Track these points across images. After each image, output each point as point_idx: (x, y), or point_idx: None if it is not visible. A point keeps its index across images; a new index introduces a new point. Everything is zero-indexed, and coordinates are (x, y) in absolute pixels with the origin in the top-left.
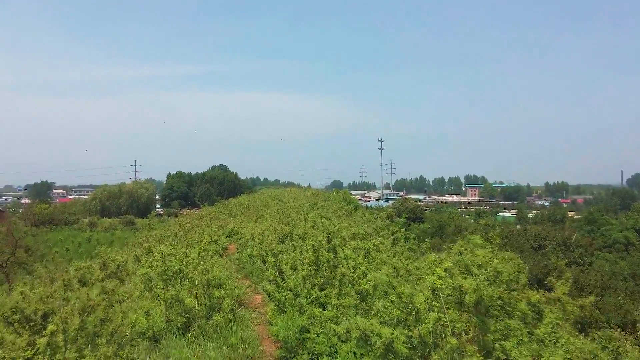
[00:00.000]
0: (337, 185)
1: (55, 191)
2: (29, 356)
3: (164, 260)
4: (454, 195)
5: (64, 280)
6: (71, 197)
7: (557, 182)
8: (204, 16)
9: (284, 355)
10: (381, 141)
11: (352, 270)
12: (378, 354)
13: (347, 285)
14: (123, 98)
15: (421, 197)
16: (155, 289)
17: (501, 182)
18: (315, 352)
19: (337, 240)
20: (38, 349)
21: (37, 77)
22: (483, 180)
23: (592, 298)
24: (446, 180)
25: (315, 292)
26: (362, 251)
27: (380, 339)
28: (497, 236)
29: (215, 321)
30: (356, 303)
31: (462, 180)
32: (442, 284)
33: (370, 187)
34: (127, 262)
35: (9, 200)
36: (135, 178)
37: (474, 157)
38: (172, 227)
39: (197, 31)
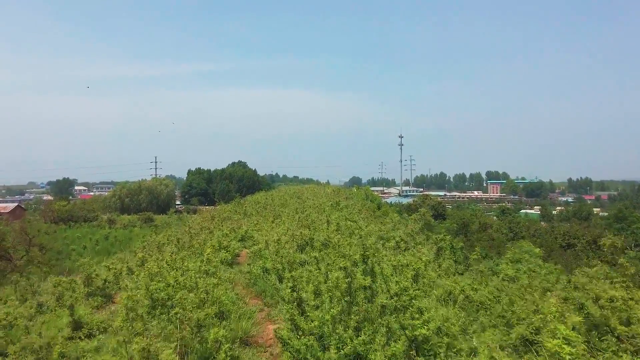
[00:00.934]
0: (356, 181)
1: (77, 188)
2: None
3: (152, 280)
4: (475, 192)
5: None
6: (92, 193)
7: (581, 178)
8: (223, 14)
9: None
10: (401, 137)
11: (395, 300)
12: None
13: (392, 321)
14: (145, 96)
15: (441, 193)
16: (135, 323)
17: (523, 178)
18: None
19: (373, 257)
20: None
21: (60, 76)
22: (505, 176)
23: None
24: (467, 176)
25: (350, 339)
26: (410, 271)
27: None
28: (629, 265)
29: None
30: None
31: (484, 176)
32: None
33: (389, 183)
34: (120, 273)
35: (32, 196)
36: (156, 175)
37: (496, 153)
38: (184, 227)
39: (218, 29)
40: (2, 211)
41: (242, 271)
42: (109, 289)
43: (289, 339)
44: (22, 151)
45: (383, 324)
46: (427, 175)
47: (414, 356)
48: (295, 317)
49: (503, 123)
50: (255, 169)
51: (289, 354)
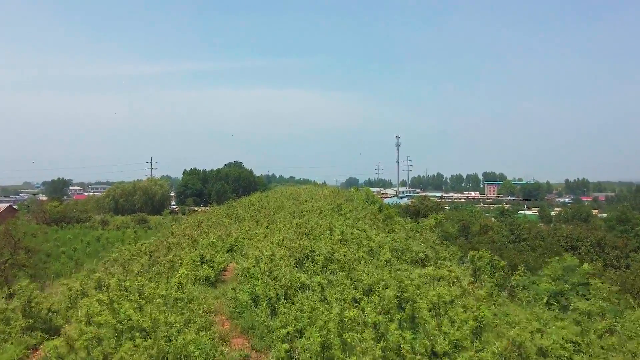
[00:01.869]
0: (352, 182)
1: (72, 188)
2: None
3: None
4: (472, 193)
5: None
6: (87, 194)
7: (578, 179)
8: (219, 13)
9: None
10: (398, 137)
11: None
12: None
13: None
14: (140, 95)
15: (438, 194)
16: None
17: (520, 179)
18: None
19: (413, 295)
20: None
21: (56, 75)
22: (502, 177)
23: None
24: (464, 177)
25: None
26: (467, 318)
27: None
28: None
29: None
30: None
31: (480, 177)
32: None
33: (386, 184)
34: (76, 297)
35: (26, 197)
36: (151, 175)
37: (493, 154)
38: (165, 234)
39: (212, 28)
40: None
41: (226, 294)
42: (54, 321)
43: None
44: (19, 151)
45: None
46: (423, 176)
47: None
48: None
49: (500, 124)
50: (251, 170)
51: None
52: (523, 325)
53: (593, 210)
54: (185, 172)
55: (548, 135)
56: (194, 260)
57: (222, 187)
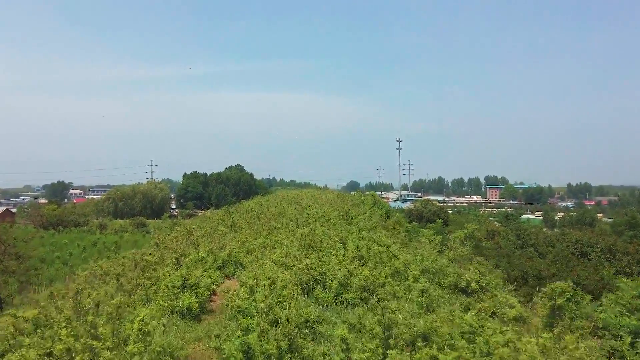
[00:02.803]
0: (353, 185)
1: (72, 191)
2: None
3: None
4: (474, 197)
5: None
6: (87, 197)
7: (580, 183)
8: (220, 17)
9: None
10: (399, 141)
11: None
12: None
13: None
14: (141, 98)
15: (440, 198)
16: None
17: (521, 183)
18: None
19: None
20: None
21: (57, 78)
22: (503, 180)
23: None
24: (465, 181)
25: None
26: None
27: None
28: None
29: None
30: None
31: (482, 181)
32: None
33: (387, 187)
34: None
35: (26, 200)
36: (152, 178)
37: (494, 158)
38: (149, 245)
39: (215, 32)
40: None
41: (210, 334)
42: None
43: None
44: (20, 154)
45: None
46: (425, 179)
47: None
48: None
49: (501, 127)
50: (252, 173)
51: None
52: None
53: (598, 215)
54: (185, 175)
55: (550, 138)
56: (173, 286)
57: (222, 190)
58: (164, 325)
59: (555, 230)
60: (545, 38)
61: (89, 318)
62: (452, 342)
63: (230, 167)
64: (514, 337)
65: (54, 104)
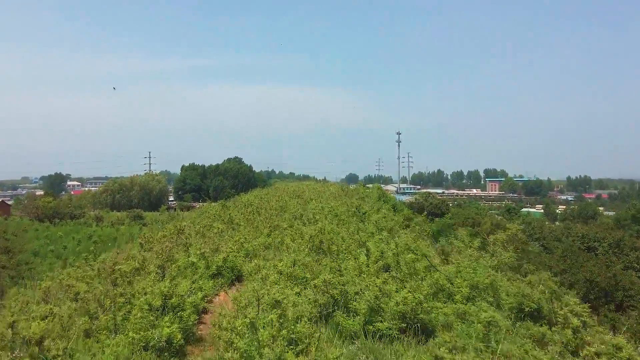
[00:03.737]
0: (352, 178)
1: (70, 183)
2: None
3: None
4: (474, 190)
5: None
6: (85, 189)
7: (579, 176)
8: (221, 9)
9: None
10: (399, 134)
11: None
12: None
13: None
14: (140, 90)
15: (439, 191)
16: None
17: (521, 176)
18: None
19: None
20: None
21: (55, 71)
22: (503, 174)
23: None
24: (465, 174)
25: None
26: None
27: None
28: None
29: None
30: None
31: (482, 174)
32: None
33: (386, 180)
34: None
35: (24, 192)
36: (150, 170)
37: (494, 151)
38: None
39: (213, 24)
40: None
41: None
42: None
43: None
44: (18, 146)
45: None
46: (424, 172)
47: None
48: None
49: (501, 120)
50: (250, 165)
51: None
52: None
53: (599, 208)
54: (183, 167)
55: (549, 131)
56: (149, 308)
57: (221, 182)
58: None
59: (557, 223)
60: (544, 31)
61: None
62: None
63: (229, 159)
64: None
65: (53, 96)
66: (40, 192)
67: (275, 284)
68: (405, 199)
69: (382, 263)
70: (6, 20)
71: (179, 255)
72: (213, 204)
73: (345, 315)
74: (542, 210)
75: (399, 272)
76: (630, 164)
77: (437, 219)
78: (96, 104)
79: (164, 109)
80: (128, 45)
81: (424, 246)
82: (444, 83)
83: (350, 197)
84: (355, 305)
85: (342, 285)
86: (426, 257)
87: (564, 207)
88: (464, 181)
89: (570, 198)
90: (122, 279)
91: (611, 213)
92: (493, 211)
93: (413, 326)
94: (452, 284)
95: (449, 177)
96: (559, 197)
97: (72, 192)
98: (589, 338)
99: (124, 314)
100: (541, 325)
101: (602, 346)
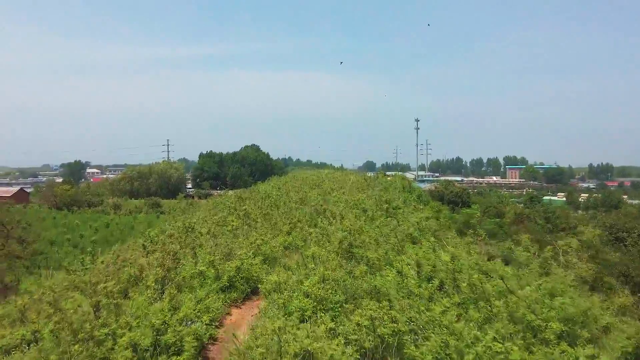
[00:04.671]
0: (369, 165)
1: (89, 170)
2: None
3: None
4: (494, 177)
5: None
6: (104, 176)
7: (601, 163)
8: None
9: None
10: (417, 120)
11: None
12: None
13: None
14: (160, 78)
15: (458, 178)
16: None
17: (541, 164)
18: None
19: None
20: None
21: (76, 59)
22: (523, 161)
23: None
24: (484, 161)
25: None
26: None
27: None
28: None
29: None
30: None
31: (501, 162)
32: None
33: (404, 168)
34: None
35: (44, 179)
36: (168, 158)
37: (513, 138)
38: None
39: (232, 11)
40: (3, 195)
41: None
42: None
43: None
44: (40, 134)
45: None
46: (442, 160)
47: None
48: None
49: (520, 107)
50: (268, 153)
51: None
52: None
53: (622, 196)
54: (201, 155)
55: (570, 118)
56: (135, 349)
57: (238, 170)
58: None
59: (580, 212)
60: (568, 12)
61: None
62: None
63: (246, 147)
64: None
65: (72, 85)
66: (59, 180)
67: (301, 310)
68: (424, 187)
69: (437, 282)
70: (25, 6)
71: (186, 261)
72: (230, 192)
73: None
74: (564, 199)
75: (458, 294)
76: None
77: (462, 210)
78: (117, 91)
79: (183, 96)
80: (148, 34)
81: (497, 265)
82: (463, 69)
83: (373, 187)
84: (412, 351)
85: (394, 321)
86: (503, 280)
87: (587, 195)
88: (484, 169)
89: (592, 186)
90: (107, 299)
91: (635, 201)
92: (513, 199)
93: None
94: (535, 314)
95: (468, 164)
96: (580, 184)
97: (91, 180)
98: None
99: (104, 354)
100: None
101: None
